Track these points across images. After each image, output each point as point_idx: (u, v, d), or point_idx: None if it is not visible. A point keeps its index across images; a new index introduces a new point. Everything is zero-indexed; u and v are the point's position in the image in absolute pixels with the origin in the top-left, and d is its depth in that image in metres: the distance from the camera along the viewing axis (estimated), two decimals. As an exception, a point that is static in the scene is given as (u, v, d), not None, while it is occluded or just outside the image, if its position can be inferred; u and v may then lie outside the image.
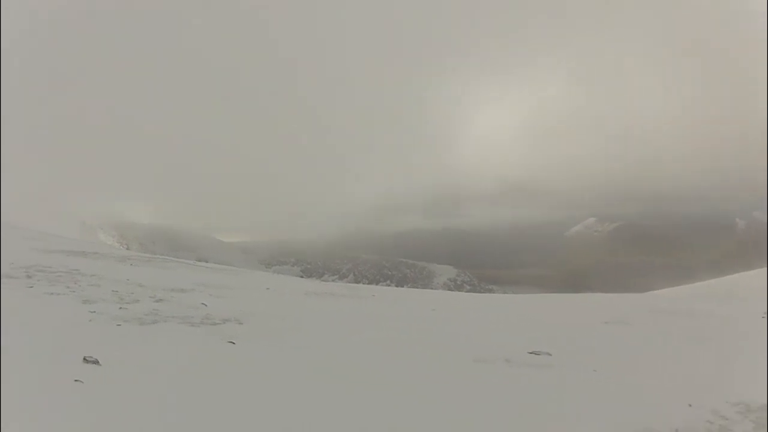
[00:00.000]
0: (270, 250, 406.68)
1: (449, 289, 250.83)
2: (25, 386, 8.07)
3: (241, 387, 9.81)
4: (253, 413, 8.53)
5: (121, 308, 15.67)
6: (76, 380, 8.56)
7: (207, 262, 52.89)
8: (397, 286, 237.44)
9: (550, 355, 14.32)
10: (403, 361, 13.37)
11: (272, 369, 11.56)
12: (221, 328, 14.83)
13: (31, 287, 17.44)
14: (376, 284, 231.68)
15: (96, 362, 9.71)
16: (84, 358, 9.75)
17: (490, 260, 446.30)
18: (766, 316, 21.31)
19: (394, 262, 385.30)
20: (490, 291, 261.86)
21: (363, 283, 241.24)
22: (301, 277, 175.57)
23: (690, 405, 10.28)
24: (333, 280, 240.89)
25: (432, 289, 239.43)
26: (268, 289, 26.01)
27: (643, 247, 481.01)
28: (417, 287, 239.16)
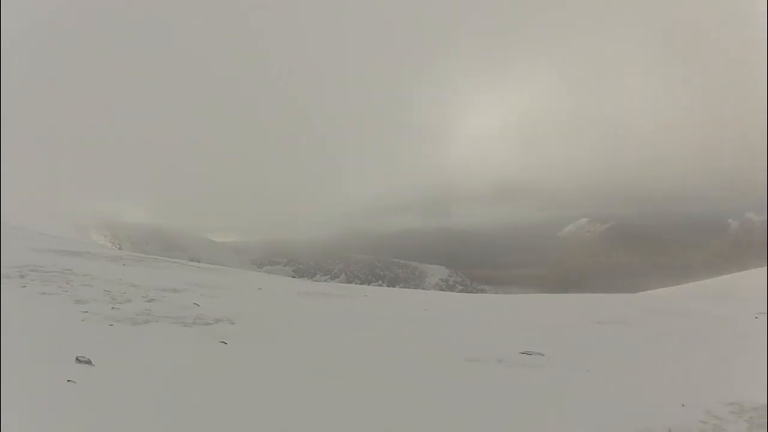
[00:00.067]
0: (262, 250, 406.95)
1: (441, 290, 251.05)
2: (18, 386, 8.08)
3: (233, 387, 9.83)
4: (246, 413, 8.55)
5: (113, 308, 15.67)
6: (68, 380, 8.57)
7: (199, 262, 52.84)
8: (388, 286, 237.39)
9: (543, 355, 14.35)
10: (395, 361, 13.40)
11: (265, 369, 11.58)
12: (213, 328, 14.83)
13: (24, 287, 17.42)
14: (368, 284, 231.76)
15: (89, 362, 9.71)
16: (77, 359, 9.76)
17: (482, 260, 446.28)
18: (758, 316, 21.32)
19: (385, 262, 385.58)
20: (482, 291, 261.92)
21: (355, 283, 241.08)
22: (293, 277, 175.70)
23: (683, 405, 10.31)
24: (325, 280, 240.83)
25: (424, 289, 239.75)
26: (260, 289, 26.00)
27: (636, 248, 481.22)
28: (409, 287, 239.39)
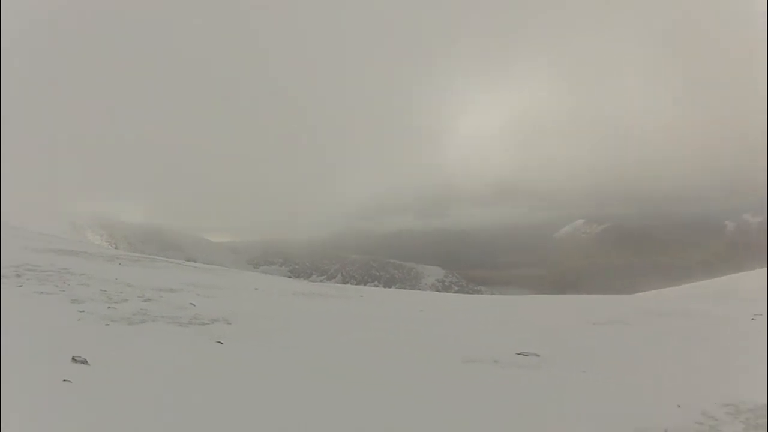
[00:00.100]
0: (258, 250, 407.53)
1: (437, 290, 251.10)
2: (14, 385, 8.08)
3: (230, 387, 9.83)
4: (243, 413, 8.56)
5: (109, 308, 15.68)
6: (65, 380, 8.57)
7: (195, 261, 52.86)
8: (384, 286, 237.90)
9: (539, 356, 14.35)
10: (391, 361, 13.41)
11: (261, 369, 11.60)
12: (210, 328, 14.85)
13: (21, 286, 17.44)
14: (364, 285, 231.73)
15: (84, 362, 9.72)
16: (73, 358, 9.77)
17: (478, 261, 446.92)
18: (755, 317, 21.33)
19: (381, 262, 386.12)
20: (479, 292, 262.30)
21: (351, 284, 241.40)
22: (289, 277, 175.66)
23: (679, 406, 10.31)
24: (321, 281, 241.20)
25: (420, 290, 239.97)
26: (256, 289, 26.02)
27: (632, 249, 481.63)
28: (405, 288, 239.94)
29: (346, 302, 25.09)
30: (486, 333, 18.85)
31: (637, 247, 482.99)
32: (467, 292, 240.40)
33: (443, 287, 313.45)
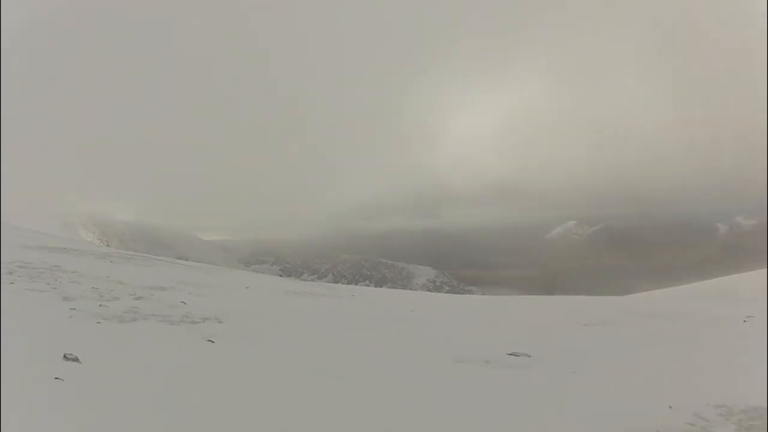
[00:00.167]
0: (250, 249, 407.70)
1: (428, 290, 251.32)
2: (5, 384, 8.07)
3: (221, 386, 9.84)
4: (234, 412, 8.56)
5: (101, 305, 15.67)
6: (56, 378, 8.57)
7: (187, 260, 52.81)
8: (376, 286, 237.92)
9: (530, 356, 14.38)
10: (383, 361, 13.44)
11: (252, 368, 11.60)
12: (201, 326, 14.86)
13: (13, 283, 17.40)
14: (355, 284, 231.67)
15: (76, 360, 9.71)
16: (64, 356, 9.76)
17: (469, 262, 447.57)
18: (747, 319, 21.37)
19: (373, 262, 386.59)
20: (469, 292, 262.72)
21: (342, 283, 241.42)
22: (281, 276, 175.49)
23: (671, 407, 10.34)
24: (312, 280, 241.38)
25: (411, 289, 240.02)
26: (247, 288, 26.02)
27: (623, 251, 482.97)
28: (396, 288, 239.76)
29: (338, 301, 25.11)
30: (477, 333, 18.89)
31: (628, 249, 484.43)
32: (458, 293, 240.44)
33: (434, 287, 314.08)
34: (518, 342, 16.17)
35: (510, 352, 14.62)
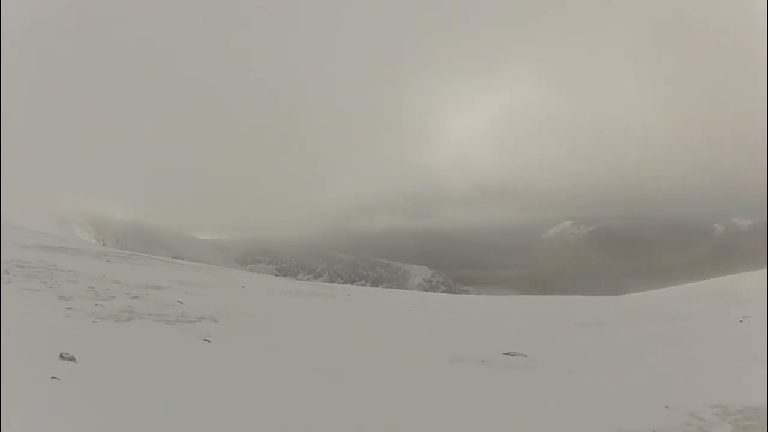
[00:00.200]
0: (246, 248, 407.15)
1: (424, 290, 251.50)
2: (2, 383, 8.06)
3: (216, 385, 9.85)
4: (230, 411, 8.57)
5: (97, 305, 15.64)
6: (53, 377, 8.56)
7: (183, 259, 52.75)
8: (371, 285, 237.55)
9: (526, 356, 14.41)
10: (379, 360, 13.46)
11: (248, 367, 11.60)
12: (197, 326, 14.85)
13: (9, 282, 17.37)
14: (351, 284, 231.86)
15: (72, 359, 9.71)
16: (60, 355, 9.75)
17: (465, 261, 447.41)
18: (743, 320, 21.37)
19: (369, 261, 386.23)
20: (465, 292, 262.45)
21: (338, 283, 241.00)
22: (276, 275, 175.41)
23: (667, 407, 10.37)
24: (308, 279, 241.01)
25: (407, 289, 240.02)
26: (243, 287, 26.02)
27: (619, 251, 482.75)
28: (392, 287, 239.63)
29: (333, 301, 25.12)
30: (473, 333, 18.90)
31: (624, 249, 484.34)
32: (454, 292, 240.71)
33: (430, 287, 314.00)
34: (514, 342, 16.20)
35: (506, 352, 14.65)
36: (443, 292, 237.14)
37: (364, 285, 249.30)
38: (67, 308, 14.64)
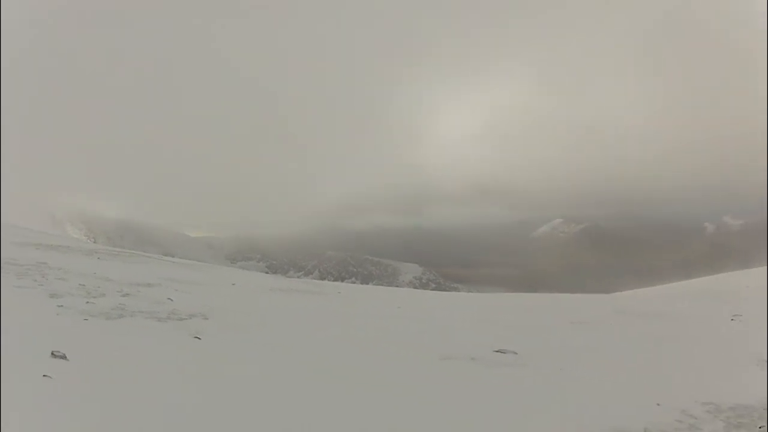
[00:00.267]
0: (236, 245, 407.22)
1: (414, 287, 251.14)
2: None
3: (207, 382, 9.86)
4: (220, 408, 8.58)
5: (88, 302, 15.66)
6: (44, 375, 8.56)
7: (173, 256, 52.69)
8: (362, 283, 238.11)
9: (516, 353, 14.43)
10: (369, 358, 13.48)
11: (238, 364, 11.62)
12: (187, 323, 14.88)
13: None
14: (341, 281, 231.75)
15: (64, 357, 9.71)
16: (52, 353, 9.75)
17: (455, 259, 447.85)
18: (734, 318, 21.45)
19: (359, 259, 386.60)
20: (456, 290, 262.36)
21: (328, 280, 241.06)
22: (267, 273, 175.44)
23: (658, 404, 10.40)
24: (298, 277, 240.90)
25: (397, 286, 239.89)
26: (233, 284, 26.05)
27: (610, 249, 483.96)
28: (382, 285, 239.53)
29: (324, 298, 25.13)
30: (464, 330, 18.92)
31: (615, 248, 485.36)
32: (444, 290, 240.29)
33: (420, 284, 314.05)
34: (505, 339, 16.21)
35: (497, 349, 14.67)
36: (433, 289, 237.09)
37: (355, 282, 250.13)
38: (59, 306, 14.66)
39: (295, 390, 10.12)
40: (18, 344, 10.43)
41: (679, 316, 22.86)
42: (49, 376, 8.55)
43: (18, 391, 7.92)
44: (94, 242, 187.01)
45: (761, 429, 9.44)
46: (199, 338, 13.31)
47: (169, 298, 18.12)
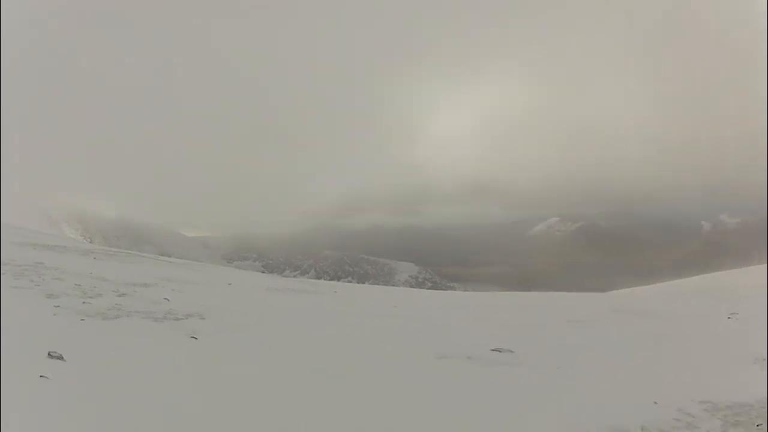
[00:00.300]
0: (232, 245, 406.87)
1: (411, 286, 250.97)
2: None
3: (204, 382, 9.87)
4: (216, 408, 8.58)
5: (84, 303, 15.64)
6: (41, 376, 8.55)
7: (170, 256, 52.71)
8: (358, 282, 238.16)
9: (513, 352, 14.44)
10: (365, 357, 13.49)
11: (234, 364, 11.62)
12: (184, 323, 14.87)
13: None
14: (338, 280, 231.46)
15: (60, 357, 9.70)
16: (49, 354, 9.75)
17: (451, 258, 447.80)
18: (731, 316, 21.47)
19: (355, 258, 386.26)
20: (452, 289, 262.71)
21: (324, 279, 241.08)
22: (263, 272, 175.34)
23: (656, 402, 10.41)
24: (294, 276, 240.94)
25: (393, 286, 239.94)
26: (230, 284, 26.00)
27: (605, 248, 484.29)
28: (378, 284, 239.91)
29: (320, 298, 25.12)
30: (460, 329, 18.92)
31: (611, 246, 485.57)
32: (440, 289, 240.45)
33: (416, 284, 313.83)
34: (501, 338, 16.22)
35: (493, 348, 14.68)
36: (429, 288, 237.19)
37: (351, 281, 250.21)
38: (55, 306, 14.64)
39: (291, 389, 10.12)
40: (15, 345, 10.41)
41: (676, 315, 22.88)
42: (46, 377, 8.54)
43: (15, 391, 7.91)
44: (91, 242, 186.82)
45: (759, 427, 9.46)
46: (196, 338, 13.30)
47: (165, 298, 18.10)
